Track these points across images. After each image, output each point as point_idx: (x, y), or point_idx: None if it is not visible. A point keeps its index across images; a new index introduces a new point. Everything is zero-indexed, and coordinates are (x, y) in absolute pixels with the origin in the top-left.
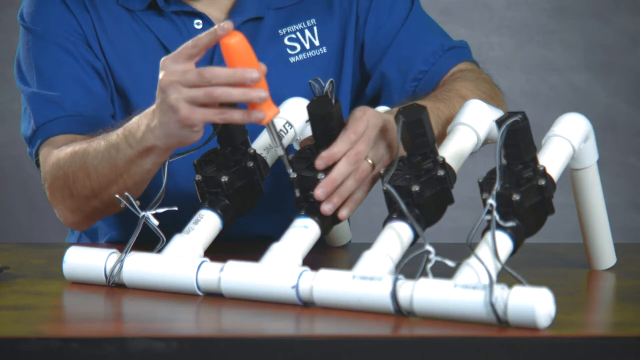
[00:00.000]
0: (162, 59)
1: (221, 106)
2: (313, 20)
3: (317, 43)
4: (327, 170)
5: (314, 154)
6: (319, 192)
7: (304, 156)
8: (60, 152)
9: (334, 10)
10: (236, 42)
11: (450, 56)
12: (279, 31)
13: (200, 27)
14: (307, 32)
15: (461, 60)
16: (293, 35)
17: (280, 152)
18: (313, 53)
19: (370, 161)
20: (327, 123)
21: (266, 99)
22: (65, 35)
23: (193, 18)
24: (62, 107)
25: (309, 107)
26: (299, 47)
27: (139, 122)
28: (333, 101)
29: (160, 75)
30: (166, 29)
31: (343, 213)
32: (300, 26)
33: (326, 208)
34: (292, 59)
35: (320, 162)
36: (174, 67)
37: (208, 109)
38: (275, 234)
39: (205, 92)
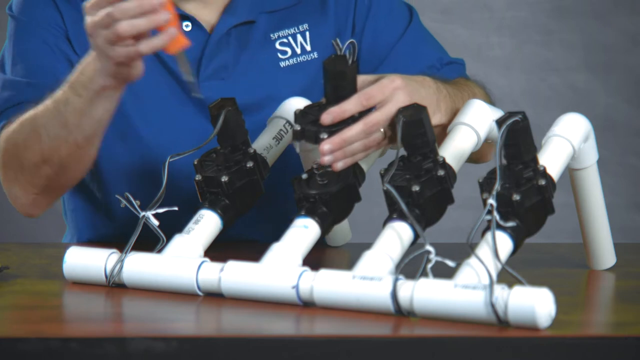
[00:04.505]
0: (84, 3)
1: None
2: (306, 25)
3: (308, 48)
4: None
5: (321, 111)
6: (326, 147)
7: (311, 112)
8: (11, 126)
9: (328, 16)
10: None
11: (448, 71)
12: (271, 35)
13: (189, 29)
14: (299, 37)
15: (458, 75)
16: (285, 40)
17: (191, 79)
18: (304, 58)
19: (382, 130)
20: (338, 81)
21: (169, 19)
22: (48, 27)
23: (182, 20)
24: (28, 93)
25: (324, 62)
26: (290, 51)
27: (83, 70)
28: (350, 62)
29: (86, 20)
30: (154, 32)
31: (338, 165)
32: (292, 31)
33: (326, 159)
34: (282, 64)
35: (327, 117)
36: (94, 12)
37: (128, 47)
38: (271, 240)
39: (112, 32)
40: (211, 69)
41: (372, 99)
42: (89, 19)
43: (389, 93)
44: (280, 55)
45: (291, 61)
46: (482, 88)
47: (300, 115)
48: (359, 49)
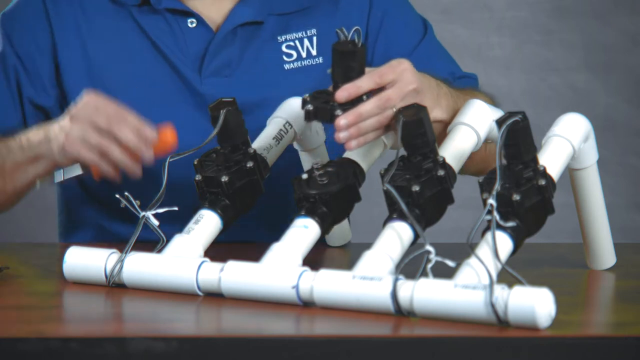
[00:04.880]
0: (95, 95)
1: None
2: (314, 31)
3: (314, 53)
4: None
5: (330, 96)
6: (342, 121)
7: (320, 97)
8: None
9: (338, 23)
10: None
11: (460, 84)
12: (278, 37)
13: (194, 25)
14: (306, 42)
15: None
16: (291, 43)
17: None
18: (308, 62)
19: (394, 109)
20: (349, 61)
21: (140, 173)
22: (30, 53)
23: (187, 17)
24: None
25: (333, 45)
26: (295, 54)
27: (38, 131)
28: (359, 44)
29: (81, 102)
30: (157, 27)
31: (352, 144)
32: (300, 35)
33: (341, 135)
34: (286, 66)
35: (342, 93)
36: (99, 111)
37: (89, 152)
38: (270, 240)
39: (99, 142)
40: (214, 65)
41: (385, 76)
42: (86, 108)
43: (399, 72)
44: (285, 58)
45: (296, 64)
46: (490, 98)
47: (310, 98)
48: (371, 60)
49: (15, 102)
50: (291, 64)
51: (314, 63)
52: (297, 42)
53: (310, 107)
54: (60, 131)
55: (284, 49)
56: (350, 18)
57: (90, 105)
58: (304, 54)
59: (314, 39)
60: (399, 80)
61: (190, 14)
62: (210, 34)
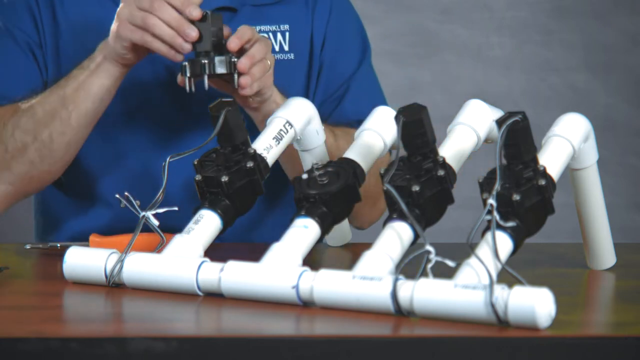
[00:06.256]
0: None
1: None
2: (287, 26)
3: (286, 48)
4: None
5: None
6: (243, 61)
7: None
8: None
9: (309, 23)
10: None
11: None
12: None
13: None
14: (279, 36)
15: None
16: (264, 35)
17: None
18: (280, 57)
19: (269, 62)
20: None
21: (189, 50)
22: (23, 31)
23: None
24: None
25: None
26: None
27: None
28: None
29: None
30: None
31: (249, 90)
32: (273, 28)
33: (243, 81)
34: None
35: (234, 42)
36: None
37: (137, 30)
38: (270, 240)
39: (143, 16)
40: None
41: (248, 32)
42: None
43: (253, 35)
44: None
45: None
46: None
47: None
48: (320, 66)
49: (35, 68)
50: None
51: (286, 58)
52: (270, 34)
53: (186, 63)
54: (115, 20)
55: None
56: (319, 21)
57: None
58: (277, 48)
59: (287, 34)
60: (258, 39)
61: None
62: None
